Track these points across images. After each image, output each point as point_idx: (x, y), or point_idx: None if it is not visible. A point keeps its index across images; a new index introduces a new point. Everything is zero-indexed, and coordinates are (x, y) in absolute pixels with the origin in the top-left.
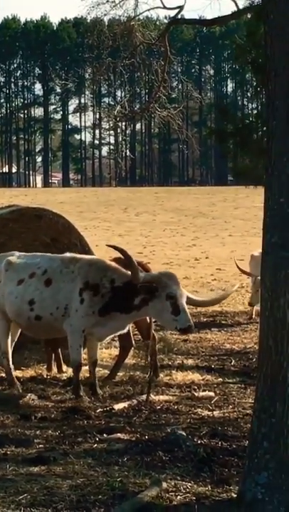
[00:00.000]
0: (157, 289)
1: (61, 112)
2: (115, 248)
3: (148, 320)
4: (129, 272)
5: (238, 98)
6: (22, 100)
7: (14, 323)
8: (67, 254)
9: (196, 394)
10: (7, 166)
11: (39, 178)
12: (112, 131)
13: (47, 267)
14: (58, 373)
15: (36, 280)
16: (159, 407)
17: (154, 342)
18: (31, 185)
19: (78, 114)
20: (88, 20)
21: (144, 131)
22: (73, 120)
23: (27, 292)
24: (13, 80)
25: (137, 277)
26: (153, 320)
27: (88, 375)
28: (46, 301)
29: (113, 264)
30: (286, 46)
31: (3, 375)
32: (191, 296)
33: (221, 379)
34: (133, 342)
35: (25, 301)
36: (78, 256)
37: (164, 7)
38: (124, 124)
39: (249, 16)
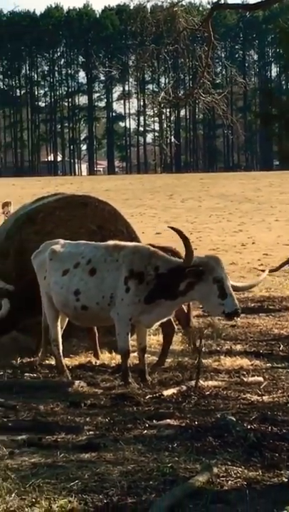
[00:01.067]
0: (204, 273)
1: (105, 100)
2: (174, 229)
3: (184, 308)
4: (173, 259)
5: (283, 83)
6: (66, 89)
7: (61, 312)
8: (111, 242)
9: (244, 379)
10: (52, 155)
11: (84, 166)
12: (156, 118)
13: (91, 256)
14: (96, 359)
15: (81, 270)
16: (208, 393)
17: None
18: (76, 173)
19: (122, 101)
20: (131, 7)
21: (188, 117)
22: (117, 107)
23: (72, 283)
24: (56, 69)
25: (190, 260)
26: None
27: (137, 361)
28: (91, 290)
29: (157, 250)
30: None
31: (53, 362)
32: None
33: (269, 364)
34: (175, 327)
35: (71, 292)
36: (122, 244)
37: None
38: (168, 110)
39: None
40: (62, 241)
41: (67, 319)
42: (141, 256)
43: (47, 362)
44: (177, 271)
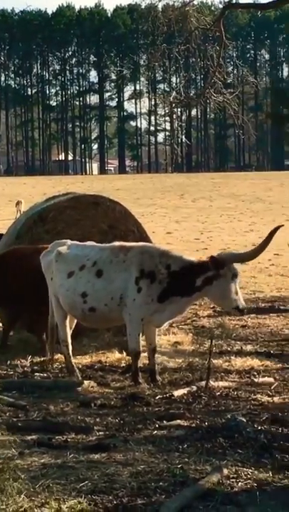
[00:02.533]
0: (223, 268)
1: (116, 99)
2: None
3: None
4: (185, 257)
5: None
6: (77, 88)
7: (69, 313)
8: (116, 244)
9: (255, 380)
10: (63, 154)
11: (95, 166)
12: (167, 118)
13: (97, 258)
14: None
15: (87, 272)
16: (218, 393)
17: None
18: (87, 172)
19: (134, 100)
20: (142, 7)
21: (199, 116)
22: (129, 107)
23: (78, 285)
24: (68, 68)
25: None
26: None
27: (147, 361)
28: (99, 292)
29: (166, 249)
30: None
31: (63, 362)
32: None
33: (280, 364)
34: None
35: (78, 294)
36: (128, 244)
37: None
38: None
39: None
40: (69, 242)
41: (75, 320)
42: (150, 255)
43: (57, 362)
44: (191, 267)
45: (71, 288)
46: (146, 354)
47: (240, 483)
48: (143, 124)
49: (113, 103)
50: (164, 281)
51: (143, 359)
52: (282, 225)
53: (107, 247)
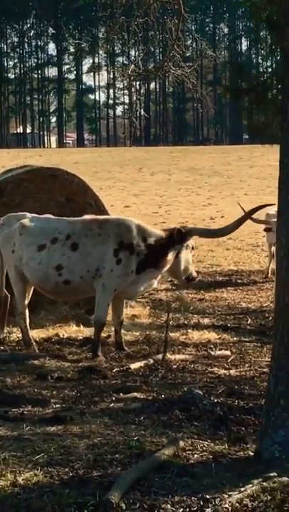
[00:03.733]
0: (188, 240)
1: (75, 72)
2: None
3: None
4: (156, 230)
5: (253, 56)
6: (36, 60)
7: (36, 286)
8: (87, 217)
9: (212, 353)
10: (21, 127)
11: (53, 139)
12: (126, 91)
13: (69, 231)
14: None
15: (60, 245)
16: (175, 366)
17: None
18: (46, 145)
19: (92, 73)
20: None
21: (158, 90)
22: (87, 80)
23: (53, 258)
24: (26, 40)
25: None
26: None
27: (105, 335)
28: (76, 265)
29: (140, 222)
30: None
31: (20, 335)
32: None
33: (237, 338)
34: None
35: (52, 267)
36: (100, 217)
37: None
38: (138, 83)
39: None
40: (28, 214)
41: (31, 292)
42: (127, 228)
43: (14, 335)
44: (165, 241)
45: (44, 261)
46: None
47: (196, 456)
48: (102, 97)
49: (72, 76)
50: (142, 254)
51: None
52: (264, 206)
53: (78, 221)
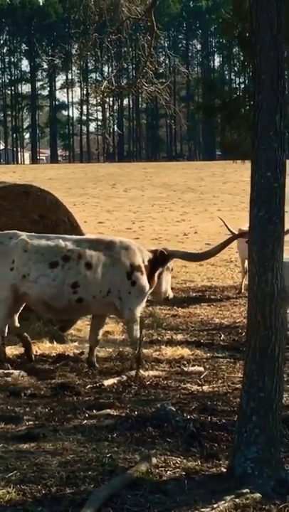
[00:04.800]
0: (169, 262)
1: (48, 88)
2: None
3: None
4: (145, 251)
5: (226, 72)
6: (9, 77)
7: (41, 303)
8: (92, 237)
9: (185, 369)
10: None
11: (27, 155)
12: (99, 107)
13: (79, 250)
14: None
15: (75, 264)
16: (148, 383)
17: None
18: (19, 161)
19: (65, 90)
20: None
21: (131, 106)
22: (61, 96)
23: (68, 275)
24: None
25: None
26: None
27: (78, 351)
28: (91, 284)
29: (135, 243)
30: (271, 19)
31: None
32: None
33: (210, 354)
34: None
35: (68, 284)
36: (104, 238)
37: None
38: (111, 99)
39: None
40: (20, 232)
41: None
42: (134, 250)
43: None
44: (154, 262)
45: (58, 278)
46: (76, 344)
47: (168, 472)
48: (75, 113)
49: (45, 92)
50: (145, 274)
51: (74, 349)
52: (243, 233)
53: (82, 240)
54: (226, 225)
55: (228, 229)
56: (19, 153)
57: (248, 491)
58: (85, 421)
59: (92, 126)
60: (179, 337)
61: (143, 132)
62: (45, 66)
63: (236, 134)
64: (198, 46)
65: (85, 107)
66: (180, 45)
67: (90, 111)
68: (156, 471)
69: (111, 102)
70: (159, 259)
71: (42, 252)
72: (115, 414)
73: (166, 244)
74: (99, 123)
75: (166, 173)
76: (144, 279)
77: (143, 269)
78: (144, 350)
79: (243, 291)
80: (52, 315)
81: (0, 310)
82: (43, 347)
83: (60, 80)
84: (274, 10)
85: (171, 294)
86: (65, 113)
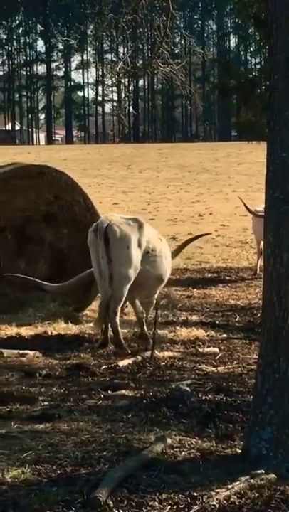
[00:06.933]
0: None
1: (64, 69)
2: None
3: None
4: None
5: (241, 53)
6: (24, 57)
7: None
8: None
9: (200, 350)
10: (10, 124)
11: (42, 136)
12: (114, 88)
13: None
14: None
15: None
16: (163, 364)
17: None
18: (35, 142)
19: (81, 70)
20: None
21: (147, 87)
22: (76, 77)
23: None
24: (15, 37)
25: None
26: None
27: (92, 332)
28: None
29: None
30: None
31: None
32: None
33: (225, 335)
34: None
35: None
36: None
37: None
38: (127, 80)
39: None
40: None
41: None
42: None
43: (2, 332)
44: None
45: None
46: (91, 324)
47: (183, 453)
48: (90, 94)
49: (60, 73)
50: None
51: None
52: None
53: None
54: (245, 205)
55: (247, 208)
56: (34, 134)
57: (263, 471)
58: (100, 401)
59: (108, 107)
60: (194, 318)
61: (158, 113)
62: (61, 47)
63: (252, 114)
64: (214, 26)
65: (100, 88)
66: (196, 26)
67: (106, 92)
68: (171, 451)
69: (126, 83)
70: None
71: (148, 235)
72: (130, 394)
73: (180, 225)
74: (114, 104)
75: (182, 154)
76: None
77: None
78: (159, 331)
79: (258, 272)
80: (141, 293)
81: (126, 290)
82: (58, 327)
83: (76, 60)
84: None
85: None
86: (80, 94)
